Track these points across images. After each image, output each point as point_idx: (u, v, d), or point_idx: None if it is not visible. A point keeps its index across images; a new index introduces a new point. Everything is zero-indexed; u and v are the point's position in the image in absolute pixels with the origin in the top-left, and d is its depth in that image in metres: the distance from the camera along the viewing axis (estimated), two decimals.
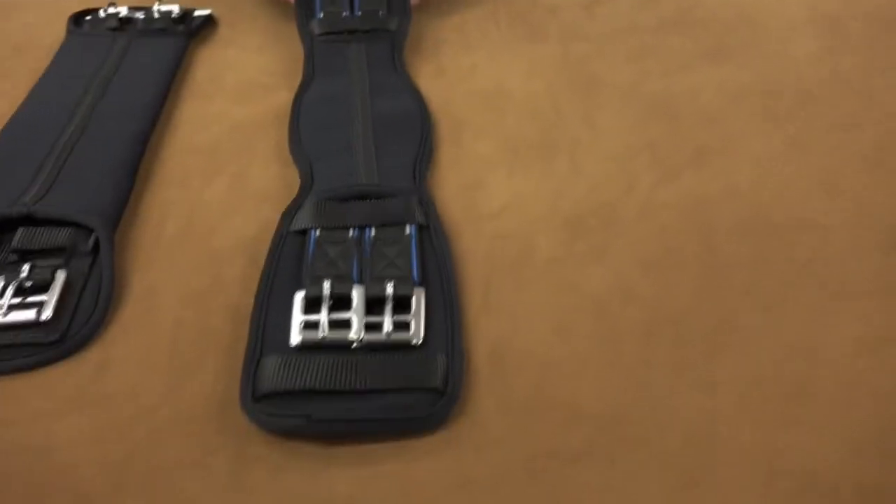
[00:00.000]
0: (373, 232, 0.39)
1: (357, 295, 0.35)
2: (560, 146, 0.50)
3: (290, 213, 0.41)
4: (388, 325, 0.34)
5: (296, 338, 0.34)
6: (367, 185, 0.42)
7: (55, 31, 0.63)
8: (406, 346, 0.34)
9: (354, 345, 0.33)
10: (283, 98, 0.54)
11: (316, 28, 0.62)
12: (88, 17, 0.63)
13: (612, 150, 0.50)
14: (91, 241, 0.39)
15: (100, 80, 0.53)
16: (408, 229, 0.39)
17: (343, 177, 0.43)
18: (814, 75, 0.59)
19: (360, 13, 0.63)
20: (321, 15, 0.63)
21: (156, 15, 0.63)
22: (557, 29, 0.68)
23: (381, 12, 0.63)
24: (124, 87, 0.53)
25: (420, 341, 0.34)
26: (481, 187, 0.46)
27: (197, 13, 0.66)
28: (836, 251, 0.42)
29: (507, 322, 0.37)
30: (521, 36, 0.66)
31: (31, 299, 0.36)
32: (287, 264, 0.38)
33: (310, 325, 0.34)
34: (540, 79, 0.59)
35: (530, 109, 0.54)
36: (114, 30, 0.61)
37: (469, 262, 0.40)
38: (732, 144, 0.51)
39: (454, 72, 0.59)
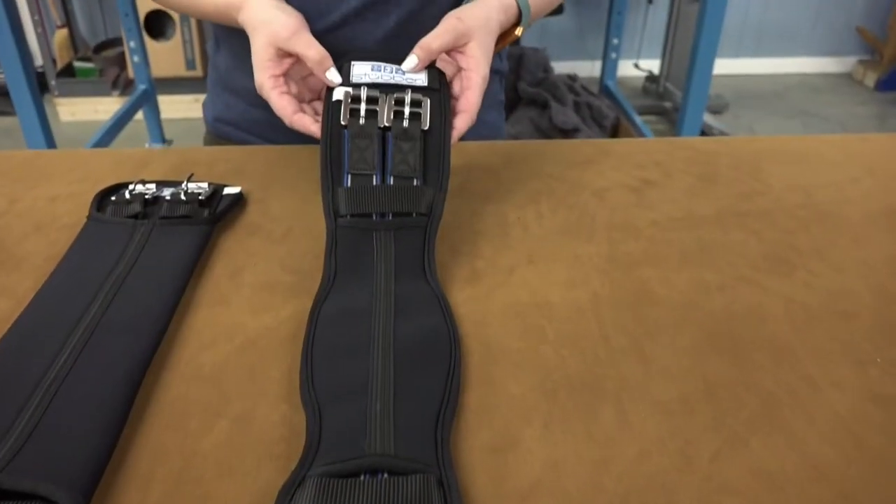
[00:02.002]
0: None
1: None
2: (605, 389, 0.44)
3: (287, 493, 0.35)
4: None
5: None
6: (381, 457, 0.37)
7: (80, 208, 0.61)
8: None
9: None
10: (303, 305, 0.50)
11: (342, 206, 0.55)
12: (114, 198, 0.61)
13: (667, 397, 0.44)
14: None
15: (113, 282, 0.50)
16: None
17: (354, 439, 0.38)
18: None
19: (391, 179, 0.56)
20: (349, 180, 0.56)
21: (183, 196, 0.60)
22: (604, 218, 0.63)
23: (415, 181, 0.56)
24: (138, 290, 0.50)
25: None
26: (511, 449, 0.40)
27: (227, 191, 0.64)
28: None
29: None
30: (565, 228, 0.61)
31: None
32: None
33: None
34: (584, 288, 0.54)
35: (572, 333, 0.49)
36: (135, 216, 0.58)
37: None
38: (807, 398, 0.44)
39: (490, 277, 0.54)
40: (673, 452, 0.40)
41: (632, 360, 0.47)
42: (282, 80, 0.59)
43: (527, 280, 0.54)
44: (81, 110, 2.94)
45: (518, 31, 0.67)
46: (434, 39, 0.59)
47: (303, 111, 0.59)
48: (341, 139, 0.57)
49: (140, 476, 0.38)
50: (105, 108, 2.84)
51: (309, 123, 0.58)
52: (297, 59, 0.60)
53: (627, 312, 0.51)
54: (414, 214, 0.55)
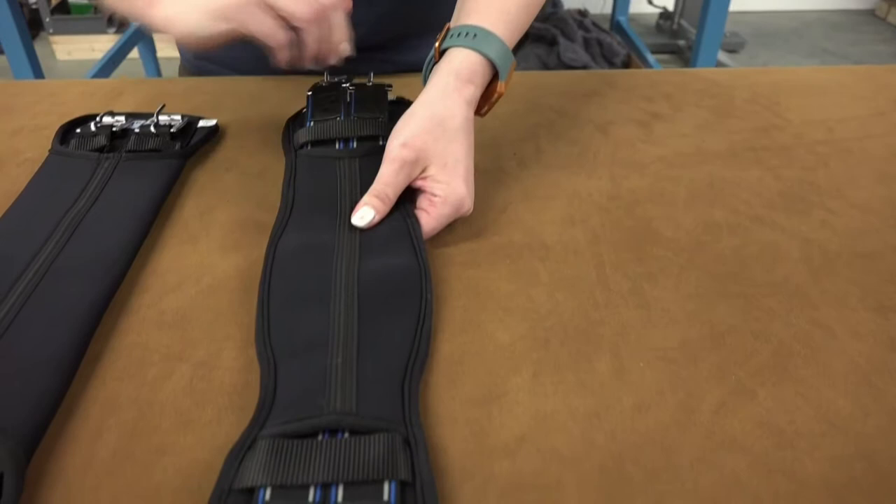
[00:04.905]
0: (340, 493, 0.30)
1: None
2: (602, 336, 0.40)
3: (235, 457, 0.32)
4: None
5: None
6: (341, 415, 0.33)
7: (44, 142, 0.57)
8: None
9: None
10: None
11: (303, 137, 0.54)
12: (79, 130, 0.57)
13: (667, 344, 0.40)
14: None
15: (70, 221, 0.46)
16: (386, 491, 0.30)
17: (312, 396, 0.34)
18: None
19: (355, 116, 0.55)
20: (311, 125, 0.55)
21: (153, 129, 0.56)
22: (608, 152, 0.58)
23: (380, 119, 0.55)
24: (97, 229, 0.46)
25: None
26: (496, 400, 0.37)
27: (202, 124, 0.59)
28: None
29: None
30: (564, 162, 0.57)
31: None
32: None
33: None
34: (582, 227, 0.49)
35: (568, 276, 0.45)
36: (101, 149, 0.54)
37: None
38: (822, 346, 0.40)
39: (480, 215, 0.50)
40: (673, 405, 0.36)
41: (631, 305, 0.43)
42: None
43: (521, 218, 0.50)
44: (78, 49, 2.86)
45: (501, 88, 0.50)
46: (385, 187, 0.46)
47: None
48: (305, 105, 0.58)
49: (90, 427, 0.35)
50: (102, 46, 2.77)
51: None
52: None
53: (628, 254, 0.47)
54: (381, 140, 0.51)
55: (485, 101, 0.51)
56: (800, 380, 0.38)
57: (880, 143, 0.60)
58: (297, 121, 0.59)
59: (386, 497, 0.30)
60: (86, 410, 0.36)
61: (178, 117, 0.58)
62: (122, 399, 0.37)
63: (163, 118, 0.58)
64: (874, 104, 0.67)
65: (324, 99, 0.58)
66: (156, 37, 2.54)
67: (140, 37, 2.42)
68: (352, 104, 0.57)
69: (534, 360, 0.39)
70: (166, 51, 2.68)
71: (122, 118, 0.58)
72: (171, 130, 0.56)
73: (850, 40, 3.14)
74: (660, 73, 0.73)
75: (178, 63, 0.81)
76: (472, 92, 0.49)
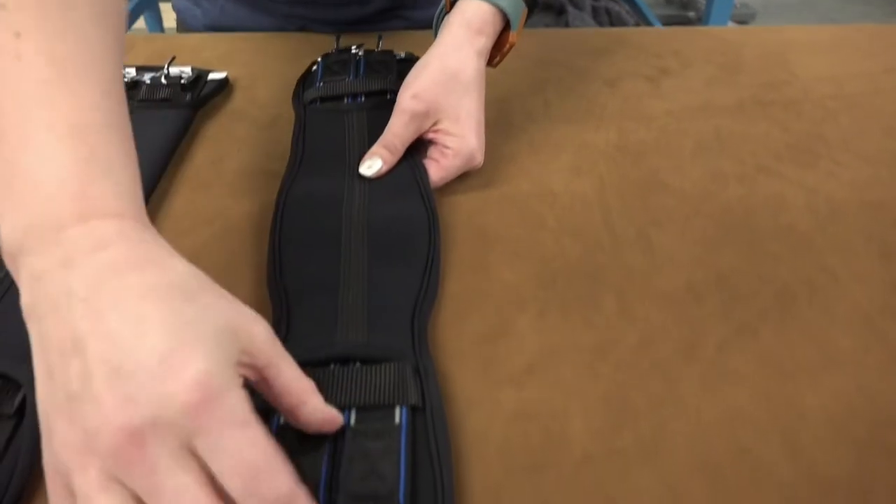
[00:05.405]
0: (353, 417, 0.31)
1: None
2: (607, 278, 0.41)
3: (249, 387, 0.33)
4: None
5: None
6: (352, 345, 0.34)
7: None
8: None
9: None
10: None
11: (311, 94, 0.56)
12: None
13: (672, 286, 0.41)
14: (17, 401, 0.32)
15: None
16: (398, 415, 0.31)
17: (324, 330, 0.35)
18: None
19: (364, 76, 0.56)
20: (321, 85, 0.56)
21: (163, 80, 0.57)
22: (616, 106, 0.59)
23: (389, 77, 0.56)
24: None
25: None
26: (504, 335, 0.37)
27: (212, 76, 0.60)
28: None
29: None
30: (572, 115, 0.57)
31: None
32: None
33: None
34: (589, 176, 0.50)
35: (575, 222, 0.45)
36: None
37: (476, 460, 0.31)
38: (825, 288, 0.40)
39: (488, 165, 0.50)
40: (676, 341, 0.37)
41: (637, 249, 0.43)
42: None
43: (528, 168, 0.51)
44: None
45: (513, 38, 0.50)
46: (394, 137, 0.47)
47: None
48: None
49: None
50: None
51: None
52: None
53: (635, 202, 0.47)
54: (389, 95, 0.51)
55: (497, 52, 0.51)
56: (802, 320, 0.38)
57: (889, 98, 0.60)
58: (306, 81, 0.59)
59: (397, 420, 0.30)
60: None
61: (188, 69, 0.59)
62: None
63: (173, 70, 0.58)
64: (884, 61, 0.67)
65: (333, 63, 0.58)
66: (162, 6, 2.53)
67: (146, 5, 2.41)
68: (361, 66, 0.58)
69: (540, 300, 0.40)
70: (172, 20, 2.66)
71: (133, 70, 0.58)
72: (182, 82, 0.57)
73: (861, 13, 3.10)
74: (670, 31, 0.73)
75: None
76: (484, 43, 0.49)
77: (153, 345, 0.24)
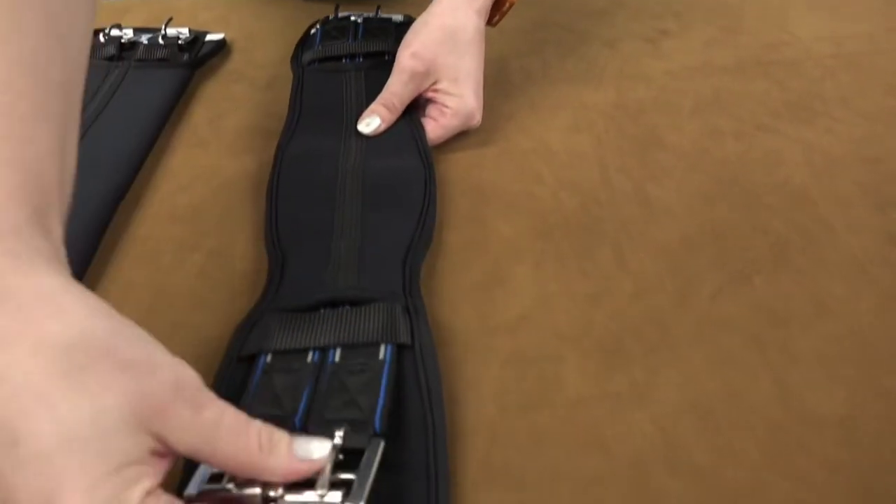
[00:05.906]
0: (337, 354, 0.31)
1: None
2: (604, 230, 0.41)
3: (242, 330, 0.33)
4: (322, 486, 0.25)
5: (194, 487, 0.26)
6: (344, 289, 0.34)
7: None
8: None
9: None
10: None
11: (309, 56, 0.55)
12: None
13: (668, 238, 0.41)
14: None
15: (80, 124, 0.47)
16: (382, 352, 0.31)
17: (317, 274, 0.35)
18: None
19: (362, 39, 0.56)
20: (319, 47, 0.56)
21: (160, 40, 0.56)
22: (615, 67, 0.58)
23: (387, 40, 0.56)
24: (107, 133, 0.47)
25: None
26: (500, 284, 0.38)
27: (209, 38, 0.59)
28: None
29: (513, 496, 0.29)
30: (571, 75, 0.57)
31: None
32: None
33: (216, 478, 0.26)
34: (587, 133, 0.50)
35: (572, 177, 0.45)
36: (110, 59, 0.54)
37: (470, 400, 0.32)
38: (820, 239, 0.41)
39: (486, 123, 0.50)
40: (671, 290, 0.37)
41: (634, 203, 0.44)
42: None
43: (526, 126, 0.51)
44: None
45: None
46: (393, 96, 0.47)
47: None
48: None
49: None
50: None
51: None
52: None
53: (632, 158, 0.47)
54: (387, 56, 0.52)
55: (496, 11, 0.51)
56: (796, 269, 0.39)
57: (890, 57, 0.60)
58: (305, 44, 0.59)
59: (381, 356, 0.31)
60: (102, 294, 0.37)
61: (186, 31, 0.58)
62: (137, 283, 0.38)
63: (170, 31, 0.58)
64: (885, 21, 0.66)
65: (332, 28, 0.58)
66: None
67: None
68: (360, 31, 0.58)
69: (536, 251, 0.40)
70: None
71: (130, 31, 0.58)
72: (179, 42, 0.57)
73: None
74: None
75: None
76: (483, 2, 0.49)
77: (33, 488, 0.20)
